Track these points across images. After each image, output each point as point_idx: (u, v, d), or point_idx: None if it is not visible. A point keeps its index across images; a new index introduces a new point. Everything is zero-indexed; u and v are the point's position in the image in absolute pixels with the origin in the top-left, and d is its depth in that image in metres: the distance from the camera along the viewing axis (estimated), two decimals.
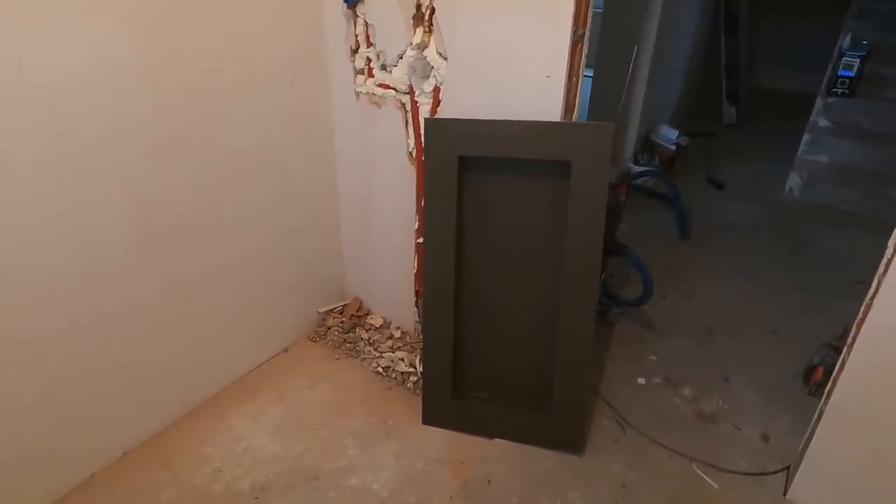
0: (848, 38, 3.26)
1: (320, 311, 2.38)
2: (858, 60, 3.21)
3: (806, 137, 3.53)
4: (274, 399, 2.03)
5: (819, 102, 3.44)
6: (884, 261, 1.36)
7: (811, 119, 3.48)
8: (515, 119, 1.63)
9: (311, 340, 2.32)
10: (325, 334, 2.33)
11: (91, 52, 1.38)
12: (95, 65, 1.40)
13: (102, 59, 1.41)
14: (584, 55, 1.60)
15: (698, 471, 1.78)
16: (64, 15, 1.31)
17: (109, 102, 1.45)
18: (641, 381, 2.14)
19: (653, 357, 2.27)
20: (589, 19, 1.55)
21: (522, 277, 1.82)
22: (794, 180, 3.66)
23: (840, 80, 3.29)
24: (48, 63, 1.31)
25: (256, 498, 1.69)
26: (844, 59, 3.26)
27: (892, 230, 1.33)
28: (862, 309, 1.42)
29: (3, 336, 1.41)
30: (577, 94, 1.65)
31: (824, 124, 3.45)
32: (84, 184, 1.46)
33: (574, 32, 1.53)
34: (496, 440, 1.87)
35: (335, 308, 2.42)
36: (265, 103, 1.84)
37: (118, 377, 1.71)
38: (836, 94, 3.34)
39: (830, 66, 3.33)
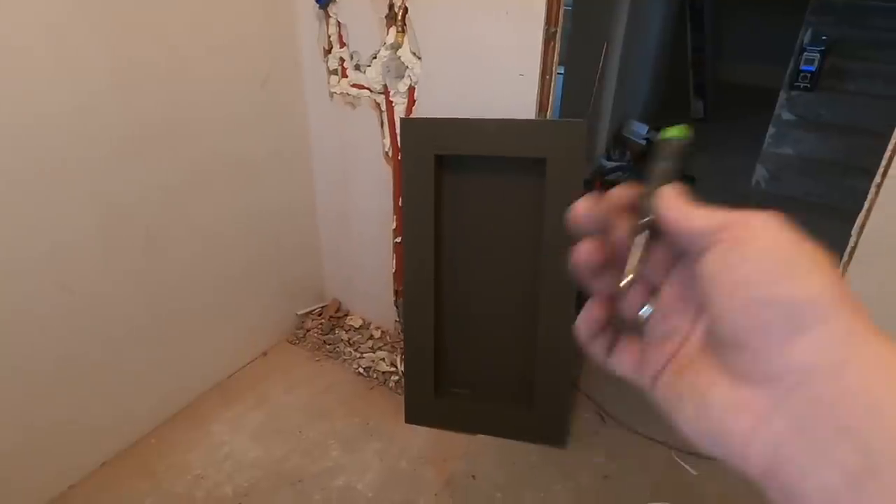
0: (808, 33, 3.35)
1: (299, 313, 2.37)
2: (819, 55, 3.31)
3: (771, 130, 3.62)
4: (254, 403, 2.02)
5: (782, 96, 3.53)
6: (847, 248, 1.41)
7: (775, 112, 3.57)
8: (490, 117, 1.64)
9: (291, 343, 2.30)
10: (304, 336, 2.32)
11: (54, 55, 1.35)
12: (59, 67, 1.37)
13: (66, 62, 1.38)
14: (556, 53, 1.62)
15: (678, 459, 1.82)
16: (26, 14, 1.28)
17: (74, 106, 1.42)
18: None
19: None
20: (561, 17, 1.57)
21: (502, 274, 1.83)
22: (760, 173, 3.75)
23: (802, 74, 3.38)
24: (7, 65, 1.28)
25: (240, 503, 1.67)
26: (805, 53, 3.35)
27: (854, 218, 1.38)
28: None
29: None
30: (551, 92, 1.67)
31: (788, 117, 3.55)
32: (52, 191, 1.43)
33: (546, 31, 1.55)
34: (479, 436, 1.89)
35: (314, 310, 2.41)
36: (237, 105, 1.82)
37: (94, 387, 1.68)
38: (798, 87, 3.43)
39: (792, 61, 3.42)
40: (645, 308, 0.33)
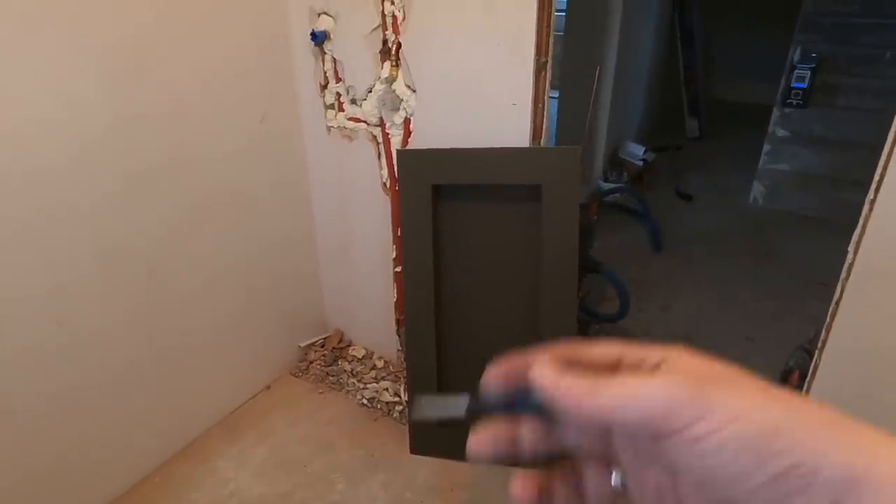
0: (798, 51, 3.40)
1: (301, 345, 2.37)
2: (809, 72, 3.35)
3: (766, 147, 3.65)
4: (258, 438, 2.01)
5: (776, 113, 3.57)
6: (845, 265, 1.41)
7: (770, 129, 3.60)
8: (485, 146, 1.66)
9: (294, 376, 2.30)
10: (307, 369, 2.31)
11: (55, 96, 1.38)
12: (59, 108, 1.40)
13: (66, 102, 1.41)
14: (548, 81, 1.65)
15: None
16: (26, 58, 1.31)
17: (76, 146, 1.44)
18: None
19: None
20: (551, 47, 1.60)
21: (502, 300, 1.84)
22: (757, 189, 3.77)
23: (794, 91, 3.42)
24: (10, 109, 1.31)
25: None
26: (796, 71, 3.39)
27: (849, 232, 1.38)
28: (829, 312, 1.47)
29: None
30: (544, 119, 1.70)
31: (782, 134, 3.58)
32: (51, 225, 1.44)
33: (537, 61, 1.58)
34: (485, 465, 1.87)
35: (316, 341, 2.41)
36: (236, 141, 1.85)
37: (96, 425, 1.67)
38: (791, 104, 3.47)
39: (784, 78, 3.47)
40: (614, 476, 0.31)
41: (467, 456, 0.32)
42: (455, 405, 0.30)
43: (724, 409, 0.25)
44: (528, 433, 0.32)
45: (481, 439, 0.32)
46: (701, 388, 0.26)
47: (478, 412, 0.30)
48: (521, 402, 0.29)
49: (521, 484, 0.32)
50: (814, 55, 3.36)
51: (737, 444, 0.25)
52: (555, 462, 0.33)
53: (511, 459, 0.32)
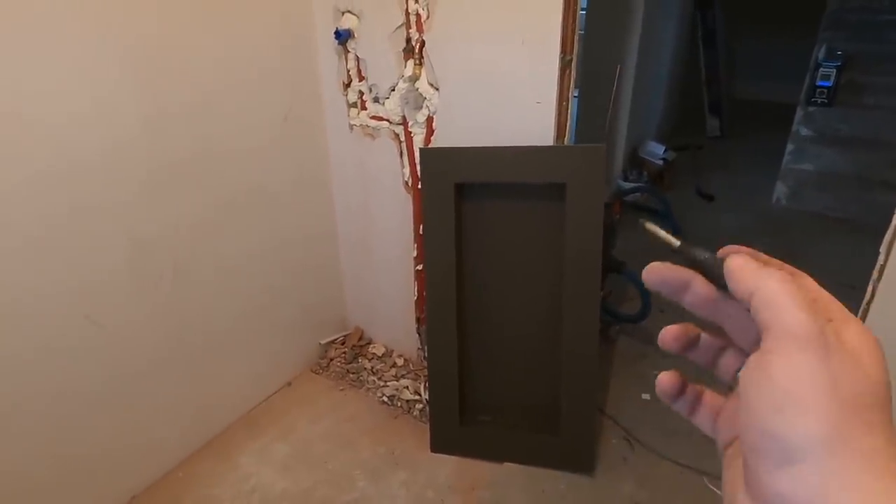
0: (823, 49, 3.35)
1: (322, 342, 2.38)
2: (835, 70, 3.30)
3: (789, 147, 3.60)
4: (280, 434, 2.02)
5: (799, 112, 3.52)
6: (876, 267, 1.38)
7: (793, 129, 3.56)
8: (509, 145, 1.66)
9: (315, 373, 2.31)
10: (327, 366, 2.33)
11: (86, 96, 1.40)
12: (90, 108, 1.42)
13: (97, 102, 1.43)
14: (572, 80, 1.64)
15: (710, 485, 1.78)
16: (59, 61, 1.33)
17: (106, 144, 1.47)
18: (646, 396, 2.15)
19: (656, 372, 2.24)
20: (576, 45, 1.59)
21: (524, 299, 1.83)
22: (780, 189, 3.72)
23: (818, 89, 3.37)
24: (45, 110, 1.33)
25: None
26: (821, 69, 3.34)
27: (878, 233, 1.36)
28: (858, 315, 1.45)
29: (6, 382, 1.40)
30: (568, 117, 1.69)
31: (806, 133, 3.53)
32: (83, 225, 1.47)
33: (562, 59, 1.57)
34: (506, 464, 1.87)
35: (337, 339, 2.42)
36: (260, 139, 1.86)
37: (120, 419, 1.69)
38: (815, 103, 3.42)
39: (808, 77, 3.42)
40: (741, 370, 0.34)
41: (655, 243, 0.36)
42: (673, 238, 0.35)
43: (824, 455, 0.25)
44: (698, 286, 0.34)
45: (659, 266, 0.35)
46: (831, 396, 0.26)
47: (685, 252, 0.34)
48: (710, 263, 0.33)
49: (672, 333, 0.36)
50: (839, 53, 3.31)
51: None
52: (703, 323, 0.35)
53: (671, 295, 0.35)
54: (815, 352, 0.26)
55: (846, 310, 0.29)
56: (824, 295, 0.29)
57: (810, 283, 0.30)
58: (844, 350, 0.26)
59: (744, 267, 0.30)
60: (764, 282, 0.28)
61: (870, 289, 1.40)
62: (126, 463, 1.74)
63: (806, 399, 0.26)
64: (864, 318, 1.42)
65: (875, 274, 1.39)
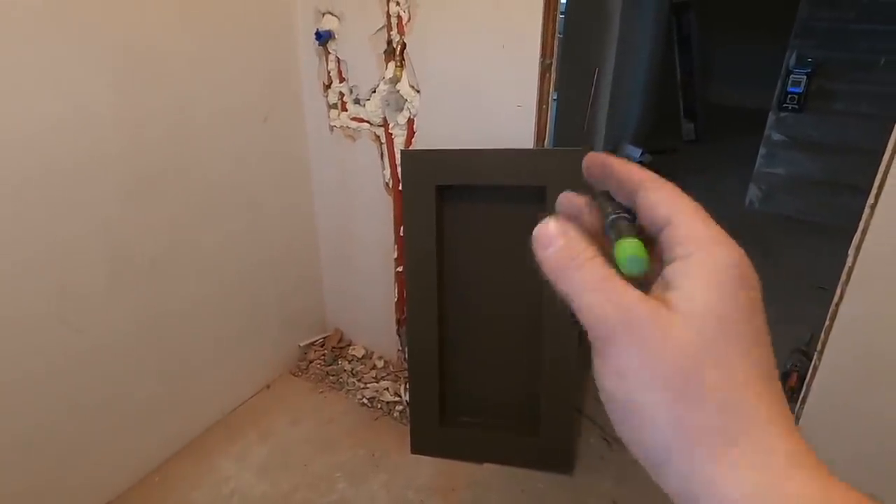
0: (793, 56, 3.43)
1: (301, 344, 2.36)
2: (805, 77, 3.38)
3: (762, 151, 3.68)
4: (259, 437, 2.01)
5: (772, 118, 3.60)
6: (845, 269, 1.43)
7: (766, 133, 3.64)
8: (489, 147, 1.67)
9: (294, 375, 2.30)
10: (307, 368, 2.31)
11: (64, 98, 1.38)
12: (67, 110, 1.40)
13: (75, 105, 1.41)
14: (552, 83, 1.66)
15: None
16: (36, 63, 1.31)
17: (83, 146, 1.44)
18: None
19: None
20: (555, 49, 1.61)
21: (504, 301, 1.85)
22: (753, 193, 3.80)
23: (789, 95, 3.45)
24: (20, 110, 1.31)
25: None
26: (792, 76, 3.42)
27: (847, 236, 1.40)
28: (828, 315, 1.49)
29: None
30: (548, 121, 1.71)
31: (778, 138, 3.61)
32: (60, 226, 1.44)
33: (542, 62, 1.59)
34: (486, 465, 1.88)
35: (316, 341, 2.41)
36: (239, 140, 1.85)
37: (96, 423, 1.67)
38: (786, 109, 3.50)
39: (779, 83, 3.50)
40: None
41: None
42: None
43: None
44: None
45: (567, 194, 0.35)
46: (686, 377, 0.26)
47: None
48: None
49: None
50: (809, 60, 3.39)
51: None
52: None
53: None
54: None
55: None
56: None
57: None
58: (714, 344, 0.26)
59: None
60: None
61: (839, 290, 1.44)
62: (102, 467, 1.72)
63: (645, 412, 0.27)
64: (833, 319, 1.46)
65: (844, 276, 1.43)
